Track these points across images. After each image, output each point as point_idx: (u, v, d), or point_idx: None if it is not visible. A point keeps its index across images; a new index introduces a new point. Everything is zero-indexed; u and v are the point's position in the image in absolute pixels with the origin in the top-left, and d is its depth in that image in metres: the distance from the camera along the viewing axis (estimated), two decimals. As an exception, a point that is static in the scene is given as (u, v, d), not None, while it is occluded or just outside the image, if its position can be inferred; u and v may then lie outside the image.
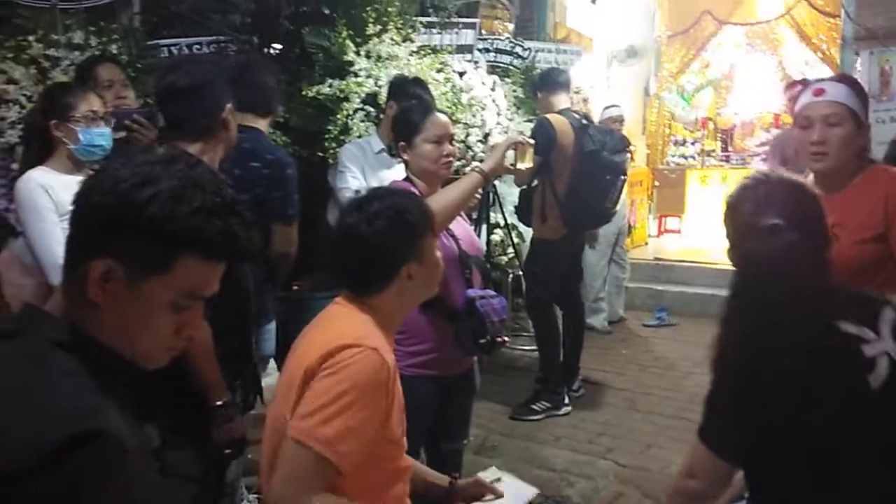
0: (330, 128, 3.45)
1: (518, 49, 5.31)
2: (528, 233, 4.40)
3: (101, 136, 2.21)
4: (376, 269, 1.57)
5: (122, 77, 2.71)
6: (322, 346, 1.46)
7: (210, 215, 0.96)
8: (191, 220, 0.94)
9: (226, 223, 0.97)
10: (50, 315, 0.98)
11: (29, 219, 2.14)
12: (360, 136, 3.37)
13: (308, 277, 3.32)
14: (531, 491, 1.91)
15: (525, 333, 5.11)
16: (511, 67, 5.21)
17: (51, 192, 2.12)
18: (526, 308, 4.46)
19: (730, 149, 10.23)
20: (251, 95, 2.55)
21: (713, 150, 10.09)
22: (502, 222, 4.49)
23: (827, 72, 7.39)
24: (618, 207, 4.16)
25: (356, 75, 3.53)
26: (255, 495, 2.51)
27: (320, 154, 3.45)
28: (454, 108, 3.68)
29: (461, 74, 3.97)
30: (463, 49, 4.41)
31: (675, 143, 10.04)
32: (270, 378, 2.68)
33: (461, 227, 2.37)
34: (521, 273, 4.51)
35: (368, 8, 3.68)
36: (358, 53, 3.59)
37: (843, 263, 1.53)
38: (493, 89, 4.06)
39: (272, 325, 2.71)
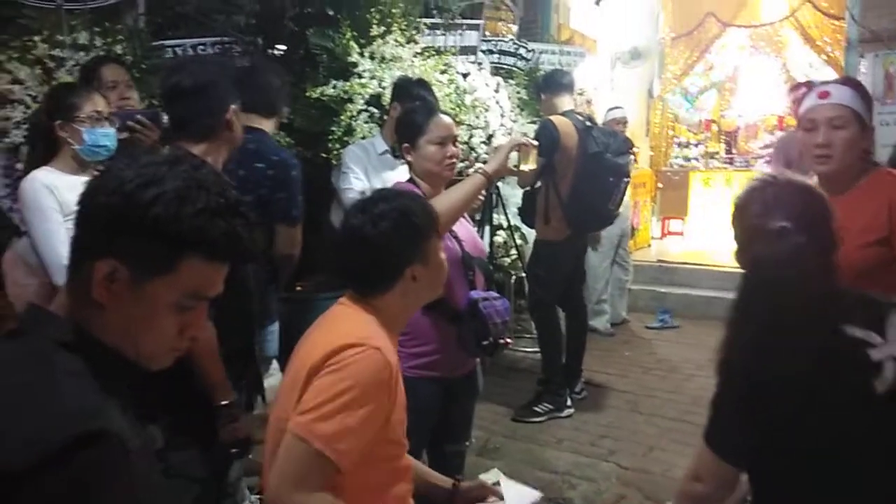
0: (333, 129, 3.45)
1: (522, 50, 5.31)
2: (531, 234, 4.40)
3: (106, 136, 2.21)
4: (381, 270, 1.57)
5: (126, 78, 2.71)
6: (326, 346, 1.46)
7: (214, 216, 0.96)
8: (195, 221, 0.94)
9: (230, 224, 0.97)
10: (54, 315, 0.98)
11: (33, 219, 2.14)
12: (363, 138, 3.37)
13: (311, 278, 3.32)
14: (534, 494, 1.90)
15: (528, 335, 5.09)
16: (515, 69, 5.21)
17: (55, 193, 2.12)
18: (528, 310, 4.45)
19: (733, 151, 10.23)
20: (256, 96, 2.55)
21: (717, 153, 10.10)
22: (505, 224, 4.50)
23: (831, 74, 7.38)
24: (621, 209, 4.15)
25: (360, 76, 3.53)
26: (258, 496, 2.51)
27: (324, 155, 3.46)
28: (458, 109, 3.68)
29: (465, 76, 3.97)
30: (467, 50, 4.41)
31: (679, 145, 10.04)
32: (273, 379, 2.68)
33: (464, 228, 2.37)
34: (523, 275, 4.51)
35: (372, 9, 3.69)
36: (362, 55, 3.60)
37: (847, 267, 1.52)
38: (496, 91, 4.06)
39: (275, 326, 2.71)
